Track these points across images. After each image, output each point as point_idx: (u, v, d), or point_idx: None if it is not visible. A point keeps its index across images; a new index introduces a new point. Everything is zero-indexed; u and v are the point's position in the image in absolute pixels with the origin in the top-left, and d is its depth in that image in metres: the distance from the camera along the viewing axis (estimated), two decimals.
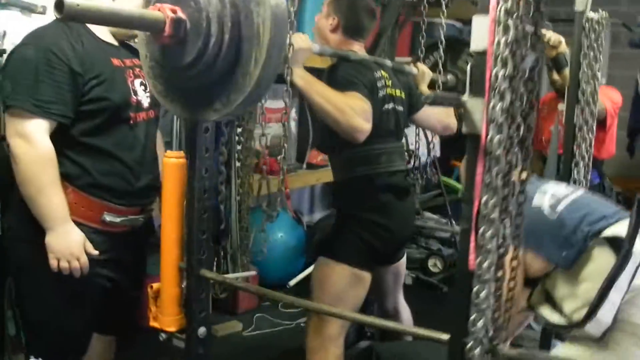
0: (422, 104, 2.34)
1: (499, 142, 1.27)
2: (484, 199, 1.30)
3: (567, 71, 2.52)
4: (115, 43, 1.94)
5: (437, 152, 3.94)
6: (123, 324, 2.23)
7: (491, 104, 1.27)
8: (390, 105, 2.18)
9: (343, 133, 1.95)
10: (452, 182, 5.15)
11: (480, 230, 1.31)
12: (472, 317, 1.35)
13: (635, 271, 1.60)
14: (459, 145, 2.64)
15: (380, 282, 2.43)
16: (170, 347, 2.06)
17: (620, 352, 1.63)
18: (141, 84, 1.94)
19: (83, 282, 1.90)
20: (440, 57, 2.72)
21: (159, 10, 1.29)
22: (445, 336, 1.45)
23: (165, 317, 1.96)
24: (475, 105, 1.30)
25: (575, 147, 2.38)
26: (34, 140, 1.72)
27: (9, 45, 2.17)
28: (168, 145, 1.97)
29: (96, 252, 1.86)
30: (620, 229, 1.64)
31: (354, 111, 1.92)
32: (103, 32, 1.89)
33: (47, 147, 1.74)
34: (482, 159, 1.30)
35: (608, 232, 1.66)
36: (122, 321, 2.22)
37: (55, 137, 1.78)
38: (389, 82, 2.20)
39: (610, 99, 3.03)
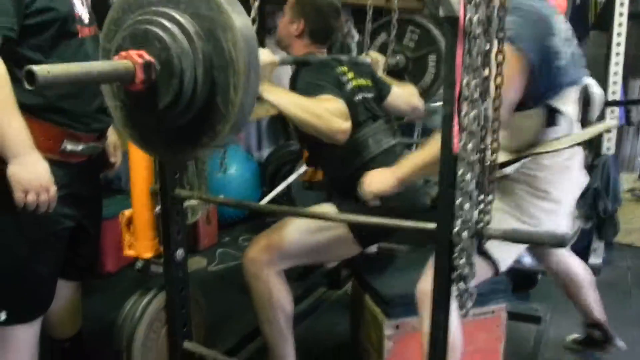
0: (388, 89, 2.33)
1: (478, 22, 1.28)
2: (465, 80, 1.30)
3: None
4: None
5: None
6: (87, 266, 2.13)
7: None
8: (359, 96, 2.15)
9: (325, 137, 1.90)
10: None
11: (463, 112, 1.32)
12: (458, 201, 1.37)
13: None
14: None
15: None
16: (144, 277, 2.04)
17: (516, 198, 1.86)
18: None
19: (48, 224, 1.78)
20: (392, 40, 2.70)
21: (125, 58, 1.19)
22: (432, 225, 1.48)
23: (141, 243, 1.94)
24: None
25: None
26: None
27: None
28: None
29: (55, 188, 1.69)
30: (560, 103, 1.79)
31: (330, 113, 1.89)
32: None
33: (2, 68, 1.57)
34: (461, 40, 1.31)
35: (555, 103, 1.78)
36: (86, 263, 2.11)
37: (5, 60, 1.60)
38: (351, 75, 2.16)
39: (556, 1, 3.10)
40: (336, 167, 2.19)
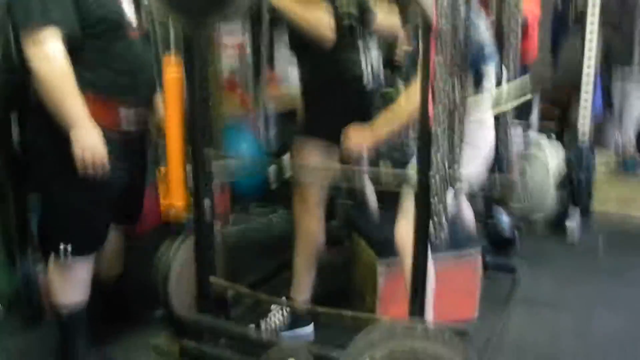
0: (373, 19, 2.65)
1: (446, 28, 1.66)
2: (437, 65, 1.69)
3: None
4: None
5: None
6: (134, 215, 2.57)
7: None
8: (346, 22, 2.50)
9: (312, 38, 2.33)
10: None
11: (435, 84, 1.70)
12: (432, 152, 1.75)
13: None
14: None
15: None
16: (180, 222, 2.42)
17: None
18: (127, 4, 2.21)
19: (108, 178, 2.15)
20: None
21: None
22: (413, 172, 1.86)
23: (174, 195, 2.31)
24: (427, 1, 1.67)
25: (504, 52, 2.81)
26: (52, 55, 1.97)
27: None
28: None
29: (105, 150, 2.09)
30: (486, 69, 2.29)
31: (320, 22, 2.33)
32: None
33: (64, 59, 2.00)
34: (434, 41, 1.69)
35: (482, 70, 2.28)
36: (133, 212, 2.54)
37: (70, 57, 2.01)
38: (345, 1, 2.50)
39: (529, 11, 3.47)
40: (309, 70, 2.60)
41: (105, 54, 2.13)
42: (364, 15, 2.64)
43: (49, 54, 1.98)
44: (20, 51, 2.07)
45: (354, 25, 2.56)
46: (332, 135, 2.50)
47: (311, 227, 2.54)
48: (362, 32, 2.62)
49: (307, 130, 2.57)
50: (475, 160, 2.37)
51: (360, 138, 2.32)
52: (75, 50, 2.04)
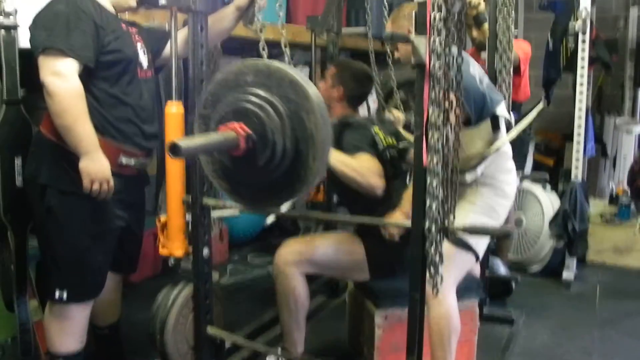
0: (409, 146, 2.64)
1: (439, 67, 1.71)
2: (431, 110, 1.73)
3: (486, 26, 2.98)
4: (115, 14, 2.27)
5: None
6: (131, 262, 2.57)
7: (432, 39, 1.70)
8: (388, 154, 2.55)
9: (364, 191, 2.37)
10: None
11: (430, 135, 1.74)
12: (427, 204, 1.79)
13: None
14: None
15: None
16: (177, 271, 2.43)
17: (483, 199, 2.31)
18: (141, 47, 2.29)
19: (105, 221, 2.21)
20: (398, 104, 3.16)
21: (231, 129, 1.61)
22: (408, 222, 1.89)
23: (173, 243, 2.34)
24: (420, 42, 1.73)
25: (497, 87, 2.85)
26: (67, 76, 2.00)
27: (20, 21, 2.36)
28: (169, 97, 2.29)
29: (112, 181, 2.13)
30: (499, 111, 2.31)
31: (370, 171, 2.35)
32: (106, 3, 2.22)
33: (78, 83, 2.03)
34: (427, 80, 1.74)
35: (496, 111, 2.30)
36: (130, 259, 2.54)
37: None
38: (382, 135, 2.58)
39: (522, 49, 3.57)
40: (362, 212, 2.49)
41: (113, 92, 2.16)
42: (400, 145, 2.65)
43: (65, 74, 2.00)
44: (28, 92, 2.13)
45: (394, 155, 2.58)
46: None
47: (291, 286, 2.50)
48: (399, 163, 2.62)
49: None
50: (506, 211, 2.38)
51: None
52: (85, 83, 2.07)
